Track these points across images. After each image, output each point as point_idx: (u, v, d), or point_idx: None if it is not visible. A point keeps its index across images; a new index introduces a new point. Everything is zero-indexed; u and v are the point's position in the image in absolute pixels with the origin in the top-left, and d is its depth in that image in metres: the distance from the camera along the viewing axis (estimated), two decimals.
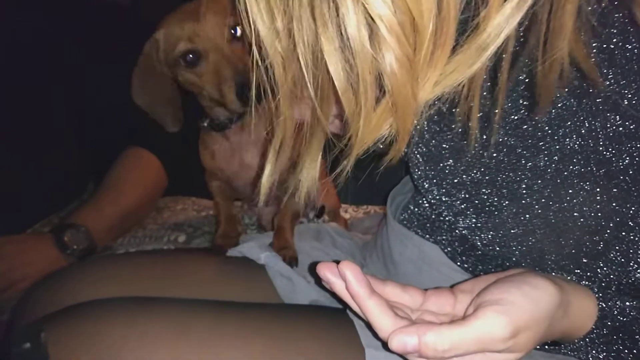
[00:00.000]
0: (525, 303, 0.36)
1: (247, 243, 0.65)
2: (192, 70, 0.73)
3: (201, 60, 0.72)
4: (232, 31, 0.72)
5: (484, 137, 0.44)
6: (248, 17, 0.35)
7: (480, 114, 0.40)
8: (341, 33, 0.33)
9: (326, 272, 0.37)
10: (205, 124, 0.82)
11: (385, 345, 0.36)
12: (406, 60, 0.33)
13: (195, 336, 0.46)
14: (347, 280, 0.36)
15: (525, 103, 0.42)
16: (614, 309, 0.42)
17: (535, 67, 0.36)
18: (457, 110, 0.40)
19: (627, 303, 0.43)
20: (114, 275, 0.60)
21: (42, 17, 1.00)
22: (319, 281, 0.40)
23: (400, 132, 0.37)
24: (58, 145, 1.03)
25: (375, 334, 0.37)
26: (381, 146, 0.39)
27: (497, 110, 0.41)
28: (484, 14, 0.32)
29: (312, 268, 0.50)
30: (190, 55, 0.72)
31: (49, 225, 0.99)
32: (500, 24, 0.32)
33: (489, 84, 0.39)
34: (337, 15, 0.32)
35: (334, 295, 0.40)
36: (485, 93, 0.41)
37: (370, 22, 0.32)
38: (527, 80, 0.41)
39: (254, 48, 0.36)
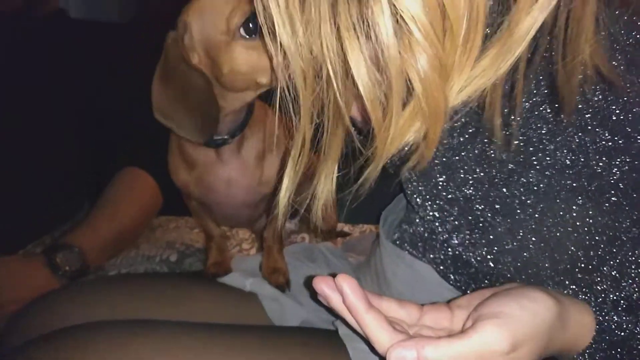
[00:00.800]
0: (525, 316, 0.35)
1: (232, 274, 0.65)
2: (254, 44, 0.57)
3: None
4: None
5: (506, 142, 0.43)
6: (270, 25, 0.35)
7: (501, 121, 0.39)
8: (368, 38, 0.32)
9: (322, 286, 0.37)
10: (206, 141, 0.68)
11: (381, 358, 0.35)
12: (438, 63, 0.32)
13: (186, 359, 0.45)
14: (344, 293, 0.36)
15: (544, 112, 0.41)
16: (612, 323, 0.42)
17: (556, 72, 0.36)
18: (476, 119, 0.40)
19: (624, 318, 0.42)
20: (105, 298, 0.59)
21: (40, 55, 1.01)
22: (314, 296, 0.39)
23: (430, 137, 0.36)
24: (52, 165, 1.03)
25: (372, 349, 0.37)
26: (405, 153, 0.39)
27: (515, 117, 0.40)
28: (512, 17, 0.32)
29: (308, 282, 0.50)
30: (250, 24, 0.56)
31: (41, 245, 0.98)
32: (528, 27, 0.32)
33: (507, 87, 0.39)
34: (363, 19, 0.32)
35: (329, 310, 0.39)
36: (504, 100, 0.40)
37: (402, 25, 0.31)
38: (548, 85, 0.41)
39: (276, 58, 0.36)
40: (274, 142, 0.66)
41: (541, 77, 0.40)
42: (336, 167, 0.42)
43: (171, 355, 0.45)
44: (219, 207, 0.78)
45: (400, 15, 0.31)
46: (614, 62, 0.37)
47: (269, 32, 0.35)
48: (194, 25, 0.59)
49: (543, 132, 0.42)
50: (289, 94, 0.38)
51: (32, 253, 0.93)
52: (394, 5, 0.31)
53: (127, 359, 0.44)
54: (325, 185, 0.42)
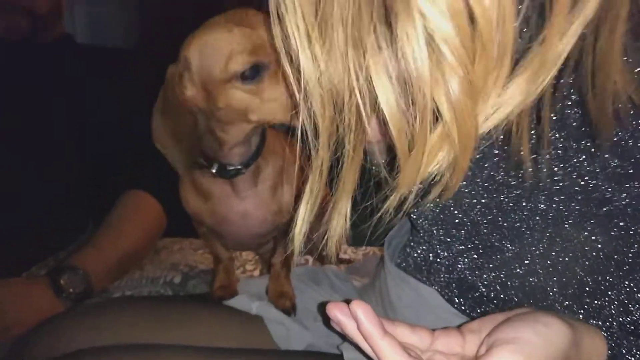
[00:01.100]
0: (540, 342, 0.35)
1: (238, 297, 0.64)
2: (250, 88, 0.58)
3: (264, 73, 0.58)
4: None
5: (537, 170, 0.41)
6: (288, 50, 0.34)
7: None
8: (395, 61, 0.31)
9: (336, 312, 0.36)
10: (214, 170, 0.69)
11: None
12: (470, 87, 0.31)
13: None
14: (359, 320, 0.35)
15: (552, 138, 0.41)
16: (622, 348, 0.42)
17: (587, 102, 0.34)
18: (510, 146, 0.38)
19: (633, 342, 0.42)
20: (109, 322, 0.59)
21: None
22: (327, 322, 0.39)
23: (459, 165, 0.35)
24: (57, 187, 1.03)
25: None
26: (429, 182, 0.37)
27: (544, 146, 0.39)
28: (544, 43, 0.31)
29: (321, 308, 0.49)
30: (249, 70, 0.58)
31: (45, 267, 0.98)
32: (560, 53, 0.31)
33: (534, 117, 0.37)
34: (392, 41, 0.31)
35: (340, 334, 0.39)
36: (533, 129, 0.38)
37: (433, 47, 0.30)
38: (554, 115, 0.39)
39: (294, 85, 0.35)
40: (291, 171, 0.65)
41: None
42: (350, 204, 0.41)
43: None
44: (231, 236, 0.78)
45: (431, 36, 0.30)
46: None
47: (287, 59, 0.34)
48: (193, 60, 0.60)
49: (553, 157, 0.42)
50: (308, 125, 0.37)
51: (36, 275, 0.93)
52: (424, 26, 0.29)
53: None
54: (339, 222, 0.41)
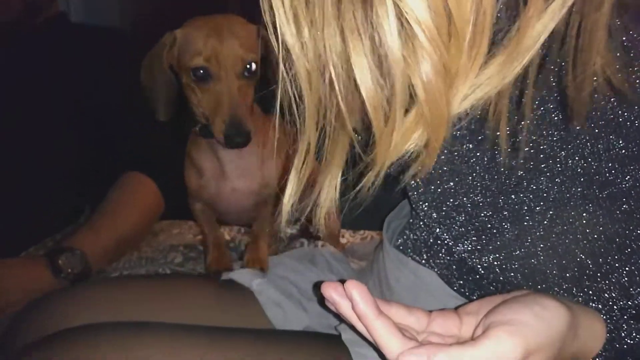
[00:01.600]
0: (537, 324, 0.35)
1: (240, 270, 0.65)
2: (196, 84, 0.74)
3: (209, 81, 0.73)
4: (247, 65, 0.73)
5: (514, 152, 0.42)
6: (275, 26, 0.34)
7: (508, 130, 0.39)
8: (372, 41, 0.32)
9: (331, 291, 0.36)
10: (197, 128, 0.79)
11: None
12: (443, 68, 0.32)
13: None
14: (353, 300, 0.35)
15: (556, 119, 0.41)
16: (622, 331, 0.41)
17: (566, 82, 0.35)
18: (485, 127, 0.39)
19: (633, 326, 0.42)
20: (107, 299, 0.59)
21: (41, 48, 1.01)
22: (321, 301, 0.39)
23: (431, 145, 0.35)
24: (54, 168, 1.03)
25: (381, 355, 0.36)
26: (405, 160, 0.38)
27: (523, 126, 0.39)
28: (521, 24, 0.31)
29: (316, 288, 0.49)
30: (201, 72, 0.72)
31: (43, 248, 0.98)
32: (537, 35, 0.31)
33: (516, 96, 0.38)
34: (368, 21, 0.31)
35: (335, 315, 0.39)
36: (512, 108, 0.39)
37: (407, 29, 0.31)
38: (557, 95, 0.40)
39: (280, 60, 0.35)
40: (274, 147, 0.65)
41: (554, 84, 0.40)
42: (339, 175, 0.42)
43: (173, 357, 0.45)
44: (224, 210, 0.85)
45: (405, 17, 0.30)
46: (627, 72, 0.36)
47: (273, 31, 0.35)
48: (178, 41, 0.75)
49: (554, 139, 0.41)
50: (294, 98, 0.37)
51: (34, 256, 0.93)
52: (399, 7, 0.30)
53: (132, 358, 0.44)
54: (329, 193, 0.42)
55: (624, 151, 0.39)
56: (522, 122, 0.39)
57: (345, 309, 0.36)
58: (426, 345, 0.34)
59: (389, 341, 0.35)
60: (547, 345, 0.35)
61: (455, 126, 0.45)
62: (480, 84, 0.34)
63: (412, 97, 0.34)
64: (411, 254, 0.58)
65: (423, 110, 0.33)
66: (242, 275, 0.63)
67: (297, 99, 0.37)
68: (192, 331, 0.50)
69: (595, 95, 0.36)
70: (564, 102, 0.38)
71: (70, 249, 0.87)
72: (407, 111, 0.35)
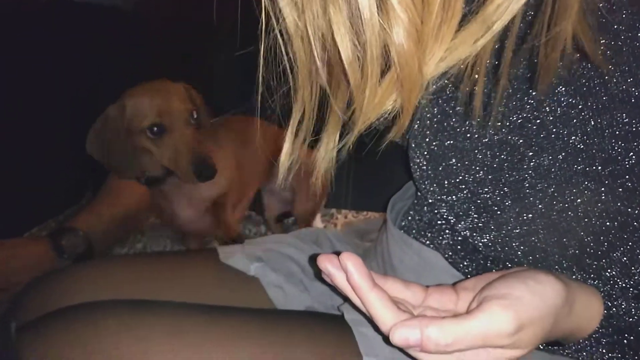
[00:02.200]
0: (531, 298, 0.34)
1: (236, 255, 0.64)
2: (153, 141, 0.86)
3: (164, 135, 0.86)
4: (192, 114, 0.88)
5: (485, 119, 0.43)
6: None
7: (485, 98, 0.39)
8: (349, 5, 0.32)
9: (327, 263, 0.36)
10: (142, 181, 0.93)
11: (386, 339, 0.35)
12: (414, 32, 0.32)
13: (189, 340, 0.45)
14: (348, 271, 0.35)
15: (524, 87, 0.41)
16: (620, 309, 0.41)
17: (538, 47, 0.35)
18: (460, 91, 0.40)
19: (632, 304, 0.42)
20: (108, 277, 0.59)
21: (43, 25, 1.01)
22: (318, 274, 0.39)
23: (405, 107, 0.36)
24: (57, 150, 1.03)
25: (377, 329, 0.36)
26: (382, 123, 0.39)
27: (498, 94, 0.40)
28: None
29: (312, 261, 0.49)
30: (156, 128, 0.86)
31: (46, 229, 0.98)
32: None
33: (495, 63, 0.39)
34: None
35: (333, 289, 0.39)
36: (490, 75, 0.40)
37: None
38: (528, 61, 0.40)
39: (263, 20, 0.36)
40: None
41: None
42: (337, 134, 0.42)
43: (173, 335, 0.45)
44: (194, 233, 1.05)
45: None
46: (598, 38, 0.37)
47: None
48: (127, 109, 0.87)
49: (557, 114, 0.41)
50: (287, 61, 0.38)
51: (38, 236, 0.94)
52: None
53: (130, 338, 0.44)
54: (326, 153, 0.43)
55: (627, 127, 0.39)
56: (495, 92, 0.40)
57: (340, 280, 0.36)
58: (419, 317, 0.34)
59: (383, 313, 0.35)
60: (541, 320, 0.34)
61: (455, 103, 0.46)
62: (456, 47, 0.34)
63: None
64: (415, 235, 0.57)
65: (397, 73, 0.34)
66: (238, 261, 0.63)
67: (292, 62, 0.38)
68: (193, 309, 0.49)
69: (562, 63, 0.36)
70: (533, 66, 0.39)
71: (73, 229, 0.88)
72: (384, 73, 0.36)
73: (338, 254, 0.36)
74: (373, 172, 1.14)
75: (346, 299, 0.39)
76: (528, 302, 0.34)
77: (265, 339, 0.46)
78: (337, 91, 0.39)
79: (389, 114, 0.38)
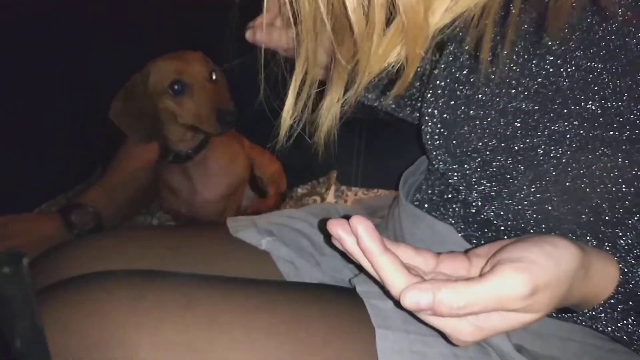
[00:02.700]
0: (546, 262, 0.33)
1: (248, 229, 0.63)
2: (175, 100, 0.91)
3: (186, 91, 0.90)
4: (211, 74, 0.93)
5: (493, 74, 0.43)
6: None
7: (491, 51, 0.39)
8: None
9: (337, 228, 0.35)
10: (171, 158, 0.96)
11: (397, 303, 0.34)
12: None
13: (201, 310, 0.44)
14: (358, 235, 0.34)
15: (539, 52, 0.40)
16: (636, 275, 0.40)
17: None
18: (466, 42, 0.40)
19: None
20: (120, 249, 0.59)
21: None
22: (329, 240, 0.38)
23: (409, 58, 0.36)
24: (67, 125, 1.03)
25: (389, 296, 0.36)
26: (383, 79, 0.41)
27: (503, 48, 0.40)
28: None
29: (322, 225, 0.48)
30: (177, 87, 0.90)
31: (56, 205, 0.99)
32: None
33: (504, 14, 0.38)
34: None
35: (344, 255, 0.38)
36: (499, 27, 0.39)
37: None
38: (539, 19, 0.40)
39: None
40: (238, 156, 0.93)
41: (576, 22, 0.39)
42: (342, 92, 0.42)
43: (187, 305, 0.44)
44: (204, 218, 1.03)
45: None
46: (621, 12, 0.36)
47: None
48: (151, 75, 0.91)
49: (574, 79, 0.40)
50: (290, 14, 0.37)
51: (48, 212, 0.94)
52: None
53: (143, 308, 0.43)
54: (331, 111, 0.42)
55: None
56: (502, 45, 0.40)
57: (350, 245, 0.35)
58: (430, 280, 0.33)
59: (394, 277, 0.34)
60: (556, 283, 0.34)
61: (468, 71, 0.46)
62: None
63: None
64: (427, 209, 0.57)
65: (402, 22, 0.34)
66: (249, 235, 0.62)
67: (296, 13, 0.37)
68: (206, 280, 0.49)
69: (574, 12, 0.35)
70: (543, 13, 0.38)
71: (83, 206, 0.88)
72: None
73: (348, 218, 0.35)
74: (383, 150, 1.13)
75: (359, 267, 0.38)
76: (543, 264, 0.33)
77: (279, 310, 0.45)
78: (342, 45, 0.38)
79: (392, 66, 0.37)
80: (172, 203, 1.01)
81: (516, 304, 0.33)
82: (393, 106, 0.70)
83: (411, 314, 0.35)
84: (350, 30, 0.37)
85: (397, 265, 0.34)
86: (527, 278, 0.32)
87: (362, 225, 0.34)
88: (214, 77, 0.93)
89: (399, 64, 0.37)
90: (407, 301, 0.32)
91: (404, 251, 0.39)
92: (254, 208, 1.08)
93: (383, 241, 0.35)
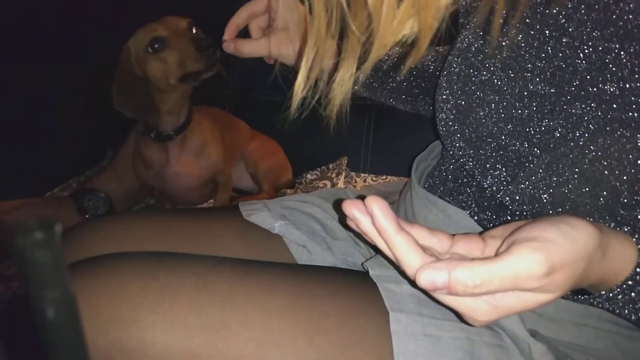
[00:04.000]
0: (563, 241, 0.33)
1: (260, 212, 0.63)
2: (159, 56, 0.90)
3: (166, 45, 0.90)
4: (190, 29, 0.92)
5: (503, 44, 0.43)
6: None
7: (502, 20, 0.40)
8: None
9: (352, 208, 0.35)
10: (152, 135, 0.97)
11: (412, 283, 0.34)
12: None
13: (216, 291, 0.44)
14: (374, 214, 0.34)
15: (556, 34, 0.40)
16: None
17: None
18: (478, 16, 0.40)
19: None
20: (131, 231, 0.59)
21: None
22: (343, 220, 0.38)
23: (422, 29, 0.36)
24: (78, 110, 1.03)
25: (404, 276, 0.36)
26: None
27: (514, 20, 0.40)
28: None
29: (337, 206, 0.48)
30: (156, 45, 0.90)
31: (67, 189, 0.99)
32: None
33: None
34: None
35: (359, 236, 0.38)
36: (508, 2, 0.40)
37: None
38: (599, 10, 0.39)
39: None
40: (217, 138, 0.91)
41: (592, 1, 0.38)
42: (354, 66, 0.42)
43: (201, 286, 0.44)
44: (173, 193, 1.03)
45: None
46: None
47: None
48: (131, 48, 0.92)
49: (591, 61, 0.39)
50: None
51: (60, 196, 0.95)
52: None
53: (157, 288, 0.43)
54: (343, 85, 0.42)
55: None
56: (513, 18, 0.40)
57: (365, 225, 0.35)
58: (446, 260, 0.32)
59: (409, 256, 0.33)
60: (573, 263, 0.33)
61: (484, 56, 0.45)
62: None
63: None
64: (441, 194, 0.56)
65: None
66: (262, 219, 0.62)
67: None
68: (219, 261, 0.49)
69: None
70: (606, 18, 0.37)
71: (95, 190, 0.88)
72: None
73: (363, 198, 0.35)
74: (392, 136, 1.12)
75: (375, 249, 0.38)
76: (560, 244, 0.33)
77: (292, 291, 0.45)
78: (355, 18, 0.39)
79: (407, 38, 0.38)
80: (144, 176, 1.00)
81: (532, 284, 0.32)
82: (391, 100, 0.71)
83: (426, 293, 0.35)
84: (364, 2, 0.36)
85: (412, 244, 0.34)
86: (543, 257, 0.32)
87: (377, 204, 0.34)
88: (194, 31, 0.92)
89: (412, 36, 0.37)
90: (423, 280, 0.32)
91: (419, 232, 0.38)
92: (241, 200, 1.08)
93: (398, 220, 0.34)
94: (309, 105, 0.44)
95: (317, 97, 0.44)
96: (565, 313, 0.47)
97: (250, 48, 0.65)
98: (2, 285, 0.71)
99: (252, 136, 1.21)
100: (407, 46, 0.39)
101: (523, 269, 0.32)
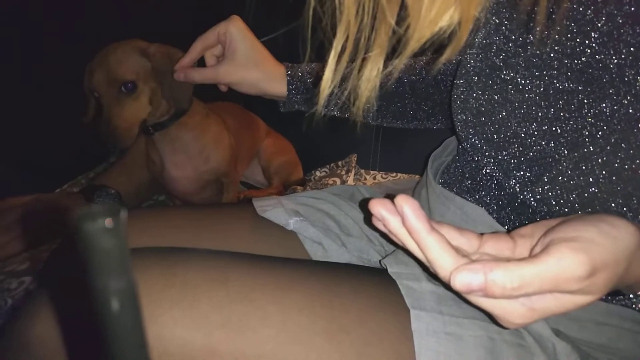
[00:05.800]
0: (605, 241, 0.32)
1: (275, 208, 0.63)
2: (132, 95, 0.86)
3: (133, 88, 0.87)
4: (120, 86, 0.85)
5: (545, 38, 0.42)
6: None
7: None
8: None
9: (380, 207, 0.34)
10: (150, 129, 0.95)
11: (445, 285, 0.33)
12: None
13: (235, 287, 0.43)
14: (405, 214, 0.32)
15: (630, 32, 0.38)
16: None
17: None
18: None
19: None
20: (145, 227, 0.58)
21: None
22: (368, 220, 0.37)
23: (463, 19, 0.35)
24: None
25: (434, 276, 0.35)
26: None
27: (559, 17, 0.39)
28: None
29: (363, 205, 0.47)
30: (123, 88, 0.86)
31: (77, 186, 0.99)
32: None
33: None
34: None
35: (384, 236, 0.37)
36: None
37: None
38: (629, 8, 0.38)
39: None
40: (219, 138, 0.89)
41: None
42: (382, 63, 0.41)
43: (220, 282, 0.43)
44: (173, 192, 1.02)
45: None
46: None
47: None
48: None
49: (622, 56, 0.38)
50: None
51: (70, 192, 0.94)
52: None
53: (176, 285, 0.42)
54: (370, 82, 0.42)
55: None
56: (555, 14, 0.39)
57: (394, 225, 0.34)
58: (481, 261, 0.31)
59: (442, 257, 0.32)
60: (614, 264, 0.32)
61: (505, 55, 0.44)
62: None
63: None
64: (458, 190, 0.56)
65: None
66: (277, 215, 0.61)
67: None
68: (236, 258, 0.48)
69: None
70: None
71: (105, 187, 0.88)
72: None
73: (391, 197, 0.34)
74: (401, 133, 1.12)
75: (400, 247, 0.37)
76: (601, 244, 0.32)
77: (312, 287, 0.45)
78: (389, 9, 0.38)
79: (444, 30, 0.37)
80: (151, 171, 0.99)
81: (572, 286, 0.31)
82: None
83: (458, 295, 0.34)
84: None
85: (445, 245, 0.33)
86: (585, 259, 0.31)
87: (409, 204, 0.33)
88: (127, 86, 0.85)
89: (450, 28, 0.36)
90: (458, 282, 0.31)
91: (447, 231, 0.37)
92: (248, 194, 1.08)
93: (430, 221, 0.33)
94: (337, 103, 0.43)
95: (345, 93, 0.43)
96: (586, 312, 0.46)
97: (201, 75, 0.71)
98: (15, 280, 0.71)
99: (267, 133, 1.21)
100: (445, 38, 0.38)
101: (564, 271, 0.31)
